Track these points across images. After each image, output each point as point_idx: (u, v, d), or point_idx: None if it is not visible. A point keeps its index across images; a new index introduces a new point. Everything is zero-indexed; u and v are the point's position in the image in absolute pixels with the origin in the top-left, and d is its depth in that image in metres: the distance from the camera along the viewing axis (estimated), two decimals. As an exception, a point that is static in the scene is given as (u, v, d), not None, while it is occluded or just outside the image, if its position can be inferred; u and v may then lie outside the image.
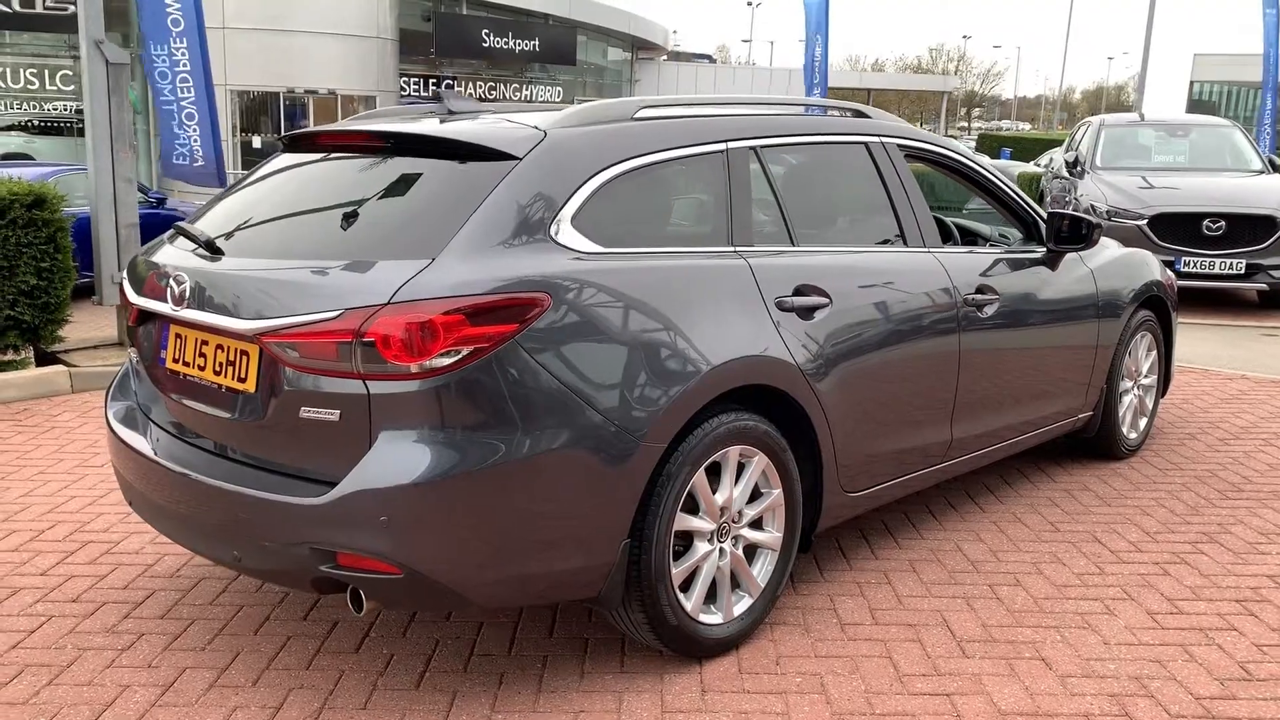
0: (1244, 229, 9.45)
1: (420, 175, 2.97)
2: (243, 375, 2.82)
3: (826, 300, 3.35)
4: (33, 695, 2.93)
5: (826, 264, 3.47)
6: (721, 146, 3.32)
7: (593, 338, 2.77)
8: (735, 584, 3.21)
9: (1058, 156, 12.87)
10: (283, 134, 3.69)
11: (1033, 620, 3.43)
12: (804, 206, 3.58)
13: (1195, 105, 47.64)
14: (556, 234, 2.82)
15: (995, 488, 4.71)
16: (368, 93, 24.47)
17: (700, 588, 3.08)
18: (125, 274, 3.33)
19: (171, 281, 2.97)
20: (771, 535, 3.27)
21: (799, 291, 3.29)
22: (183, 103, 9.12)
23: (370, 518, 2.57)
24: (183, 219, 10.57)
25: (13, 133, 20.39)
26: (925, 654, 3.20)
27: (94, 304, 7.18)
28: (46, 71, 20.38)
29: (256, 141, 23.75)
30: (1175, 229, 9.47)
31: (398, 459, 2.57)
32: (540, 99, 29.89)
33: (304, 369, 2.65)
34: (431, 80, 25.79)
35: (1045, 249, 4.46)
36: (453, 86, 3.56)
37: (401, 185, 2.99)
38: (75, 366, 6.48)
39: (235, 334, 2.80)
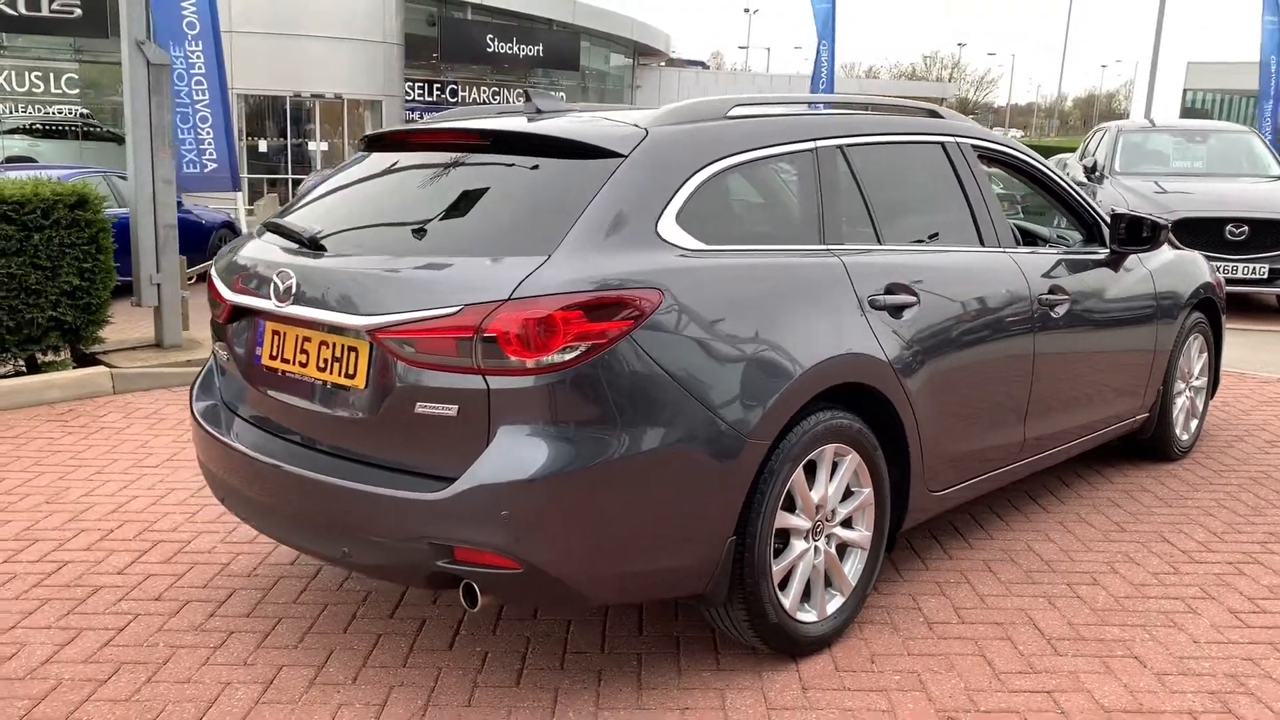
0: (1267, 234, 9.51)
1: (524, 172, 2.97)
2: (350, 371, 2.82)
3: (915, 299, 3.36)
4: (134, 693, 2.92)
5: (914, 263, 3.48)
6: (810, 145, 3.33)
7: (701, 335, 2.77)
8: (828, 582, 3.22)
9: (1072, 162, 12.93)
10: (361, 136, 3.69)
11: (1118, 619, 3.44)
12: (887, 205, 3.59)
13: (1189, 113, 47.85)
14: (663, 231, 2.83)
15: (1055, 489, 4.72)
16: (373, 97, 24.48)
17: (797, 586, 3.08)
18: (215, 271, 3.32)
19: (275, 278, 2.97)
20: (861, 534, 3.28)
21: (890, 290, 3.30)
22: (198, 105, 9.12)
23: (491, 512, 2.57)
24: (202, 222, 10.51)
25: (16, 136, 20.38)
26: (1018, 652, 3.20)
27: (132, 305, 7.15)
28: (51, 75, 20.38)
29: (263, 145, 23.73)
30: (1198, 234, 9.49)
31: (518, 454, 2.57)
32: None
33: (421, 364, 2.65)
34: (435, 85, 25.81)
35: (1108, 250, 4.48)
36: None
37: (506, 182, 3.00)
38: (116, 368, 6.46)
39: (345, 330, 2.80)
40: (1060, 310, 4.01)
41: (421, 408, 2.66)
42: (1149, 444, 5.05)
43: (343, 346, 2.84)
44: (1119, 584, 3.71)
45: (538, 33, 28.33)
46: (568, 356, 2.56)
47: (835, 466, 3.15)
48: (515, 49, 27.09)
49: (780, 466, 2.91)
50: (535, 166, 2.97)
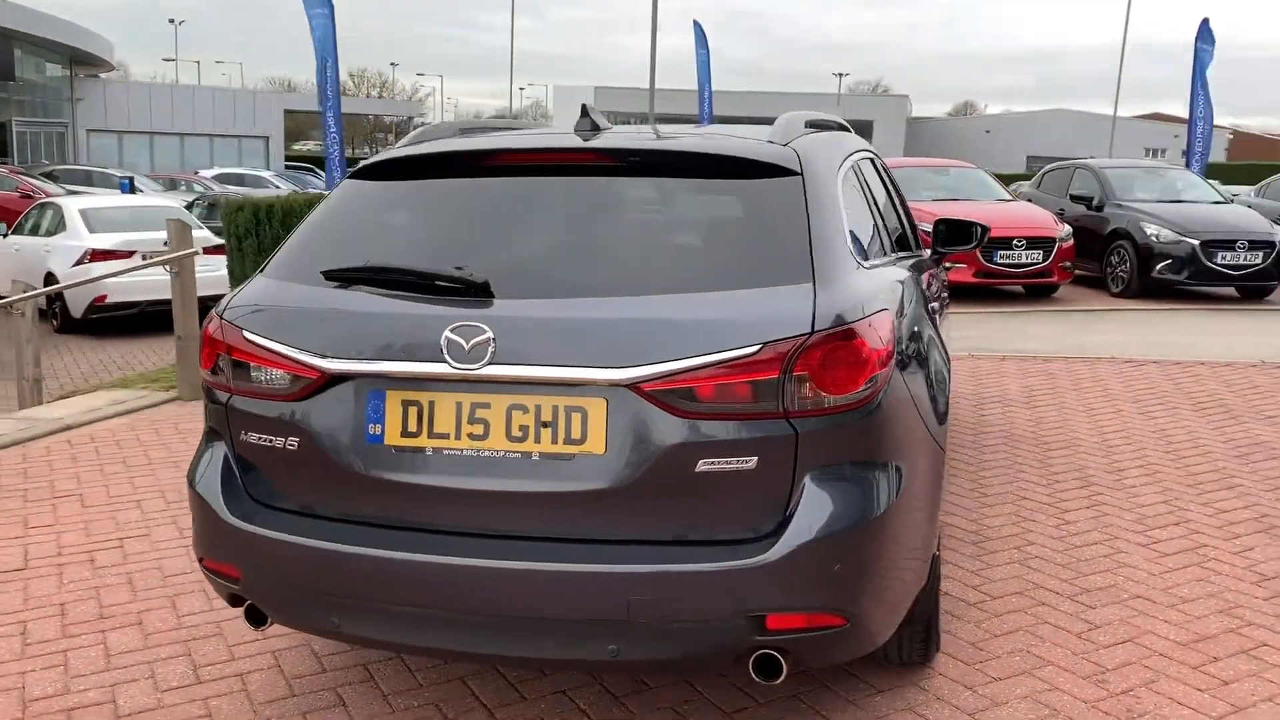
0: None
1: (694, 194, 2.68)
2: (576, 436, 2.35)
3: None
4: None
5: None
6: (853, 160, 3.34)
7: (909, 352, 2.72)
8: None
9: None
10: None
11: None
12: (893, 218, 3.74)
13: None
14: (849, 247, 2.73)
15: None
16: None
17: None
18: (265, 334, 2.54)
19: (449, 334, 2.37)
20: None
21: None
22: None
23: (823, 568, 2.31)
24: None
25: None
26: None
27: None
28: None
29: None
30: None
31: (839, 500, 2.33)
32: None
33: (705, 416, 2.29)
34: None
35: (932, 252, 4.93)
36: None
37: (680, 205, 2.67)
38: None
39: (575, 386, 2.33)
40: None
41: (706, 465, 2.30)
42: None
43: (558, 409, 2.36)
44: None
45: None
46: (867, 391, 2.38)
47: None
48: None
49: None
50: (704, 188, 2.69)
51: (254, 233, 9.71)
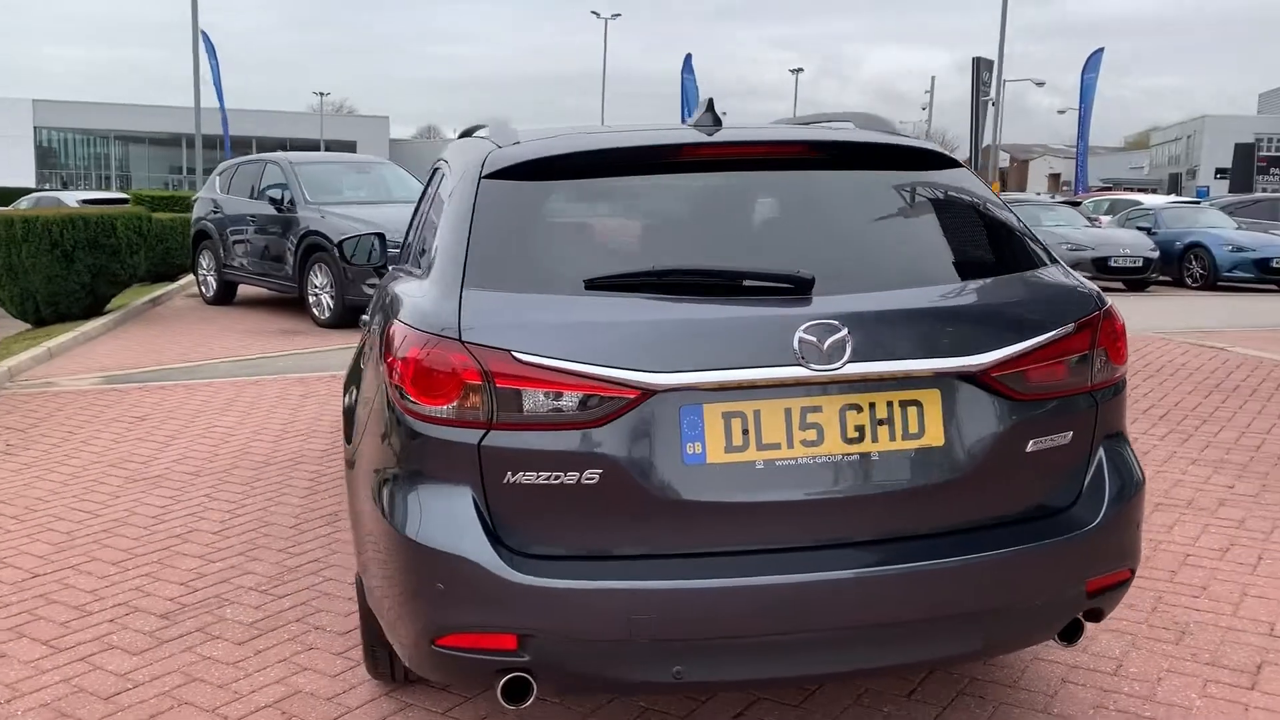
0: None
1: (894, 185, 2.70)
2: (914, 430, 2.30)
3: None
4: None
5: None
6: None
7: None
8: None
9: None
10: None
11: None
12: None
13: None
14: None
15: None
16: None
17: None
18: (583, 356, 2.17)
19: (802, 334, 2.20)
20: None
21: None
22: None
23: (1130, 528, 2.49)
24: None
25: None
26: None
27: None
28: None
29: None
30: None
31: (1124, 464, 2.54)
32: None
33: (1034, 396, 2.37)
34: None
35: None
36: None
37: (890, 196, 2.67)
38: None
39: (917, 379, 2.29)
40: None
41: (1034, 444, 2.38)
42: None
43: (893, 404, 2.29)
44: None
45: None
46: (1126, 362, 2.60)
47: None
48: None
49: None
50: (901, 180, 2.72)
51: None
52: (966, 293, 2.44)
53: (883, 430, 2.29)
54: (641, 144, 2.63)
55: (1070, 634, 2.50)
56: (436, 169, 3.45)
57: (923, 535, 2.33)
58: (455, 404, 2.22)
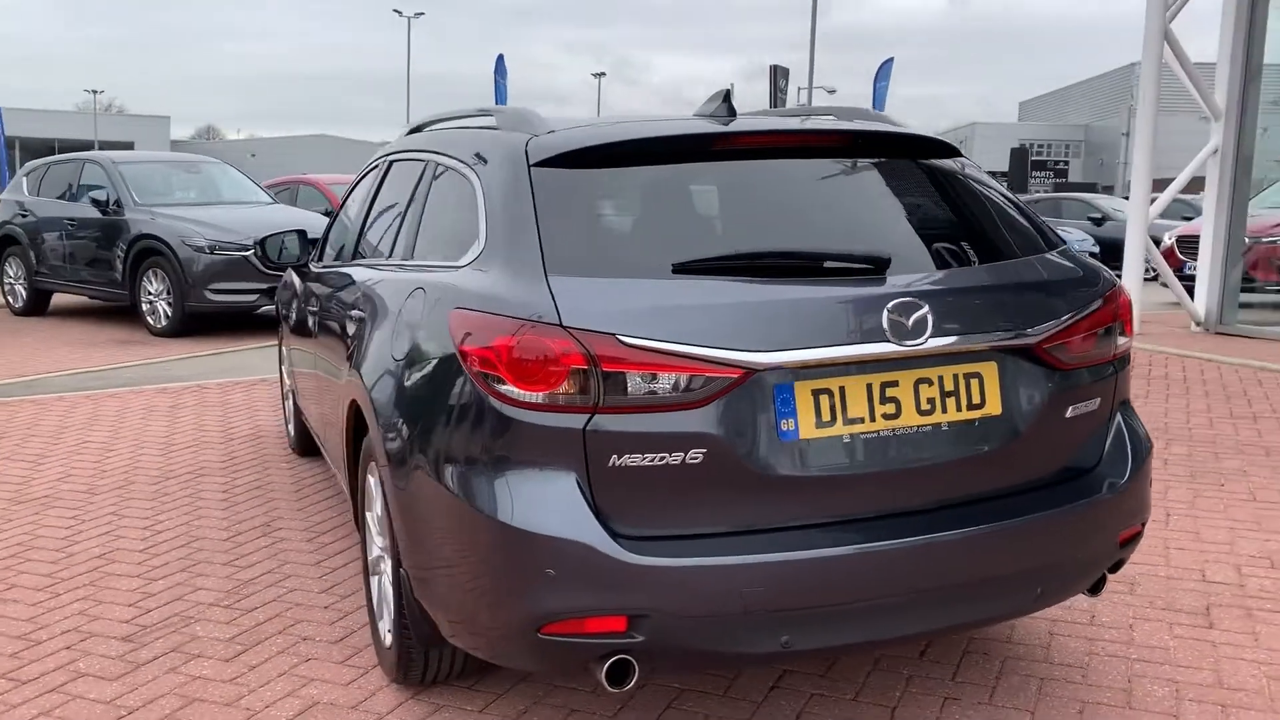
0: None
1: (921, 174, 2.84)
2: (976, 401, 2.45)
3: None
4: None
5: None
6: None
7: None
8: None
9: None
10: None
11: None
12: None
13: None
14: None
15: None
16: None
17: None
18: (688, 338, 2.19)
19: (889, 313, 2.31)
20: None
21: None
22: None
23: (1145, 485, 2.72)
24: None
25: None
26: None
27: None
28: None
29: None
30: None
31: (1138, 427, 2.80)
32: None
33: (1074, 365, 2.57)
34: None
35: None
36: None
37: (913, 182, 2.82)
38: None
39: (978, 352, 2.44)
40: None
41: (1073, 410, 2.58)
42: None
43: (958, 377, 2.44)
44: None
45: None
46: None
47: None
48: None
49: None
50: (911, 169, 2.87)
51: None
52: (1012, 271, 2.61)
53: (950, 401, 2.43)
54: (689, 132, 2.68)
55: (1098, 585, 2.72)
56: (421, 162, 3.36)
57: (987, 498, 2.49)
58: (559, 390, 2.21)
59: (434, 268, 2.81)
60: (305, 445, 5.49)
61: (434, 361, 2.52)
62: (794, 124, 2.93)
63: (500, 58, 28.47)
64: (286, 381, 5.72)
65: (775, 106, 37.23)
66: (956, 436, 2.44)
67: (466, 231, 2.70)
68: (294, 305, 4.87)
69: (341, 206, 4.75)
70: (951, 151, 2.94)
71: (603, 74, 77.38)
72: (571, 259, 2.35)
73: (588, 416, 2.21)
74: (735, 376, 2.23)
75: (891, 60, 28.79)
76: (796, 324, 2.30)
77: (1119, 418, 2.75)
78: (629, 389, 2.21)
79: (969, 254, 2.63)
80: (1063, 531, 2.51)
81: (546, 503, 2.23)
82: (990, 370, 2.48)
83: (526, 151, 2.61)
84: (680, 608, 2.21)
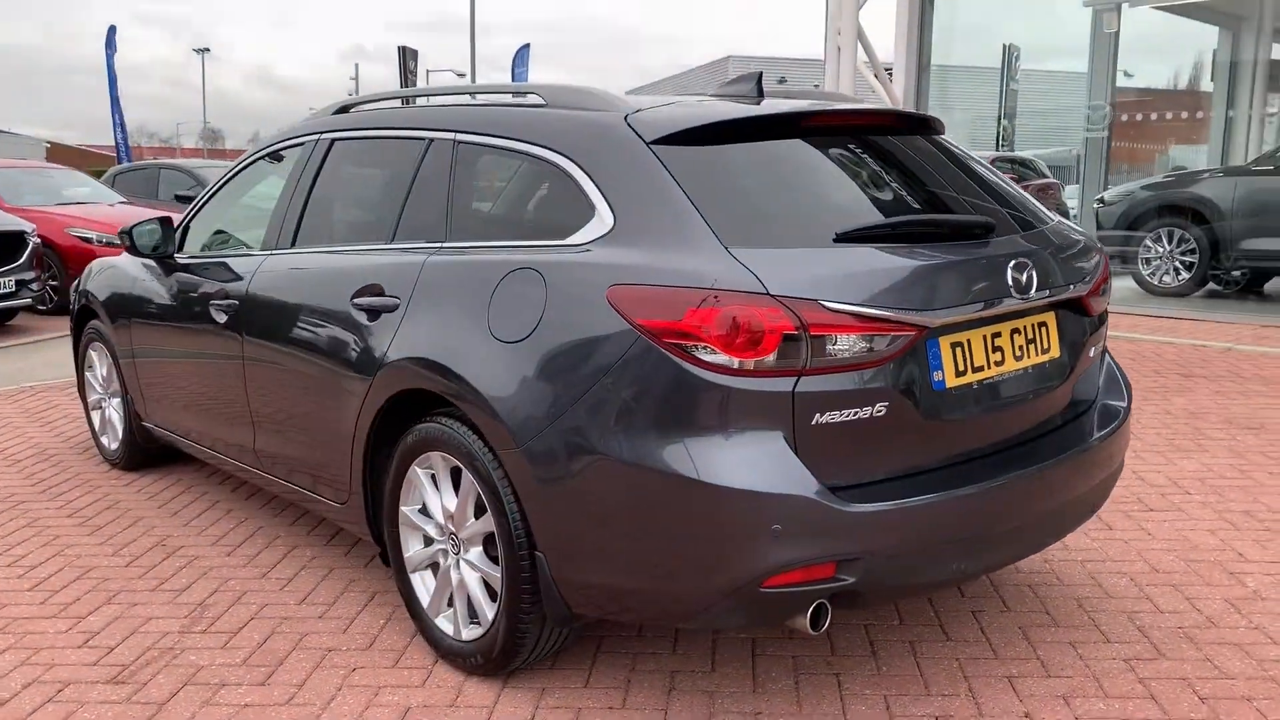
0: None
1: (949, 150, 3.16)
2: (1046, 346, 2.84)
3: None
4: None
5: None
6: None
7: None
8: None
9: None
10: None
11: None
12: None
13: None
14: None
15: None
16: None
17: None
18: (877, 302, 2.37)
19: (1011, 272, 2.63)
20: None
21: None
22: None
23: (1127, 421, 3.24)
24: None
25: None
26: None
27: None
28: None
29: None
30: None
31: (1117, 365, 3.29)
32: None
33: (1093, 314, 3.02)
34: None
35: None
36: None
37: (958, 160, 3.12)
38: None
39: (1047, 307, 2.83)
40: None
41: (1093, 350, 3.04)
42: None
43: (1034, 326, 2.81)
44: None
45: None
46: None
47: None
48: None
49: None
50: (932, 146, 3.19)
51: None
52: (1056, 234, 3.00)
53: (1031, 348, 2.80)
54: (785, 111, 2.84)
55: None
56: (422, 140, 3.21)
57: (1056, 429, 2.91)
58: (770, 355, 2.31)
59: (518, 248, 2.75)
60: (139, 459, 4.92)
61: (588, 339, 2.49)
62: (861, 106, 3.19)
63: (112, 29, 25.82)
64: (98, 389, 5.10)
65: (405, 87, 36.84)
66: (1038, 376, 2.82)
67: (563, 210, 2.69)
68: (151, 301, 4.39)
69: (212, 194, 4.34)
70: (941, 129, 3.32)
71: (206, 50, 71.83)
72: (738, 231, 2.44)
73: (795, 379, 2.34)
74: (912, 334, 2.46)
75: (528, 46, 29.27)
76: (950, 284, 2.56)
77: (1108, 358, 3.27)
78: (829, 350, 2.36)
79: (1025, 219, 3.01)
80: (1111, 452, 2.99)
81: (764, 463, 2.33)
82: (1051, 319, 2.88)
83: (635, 130, 2.66)
84: (891, 548, 2.41)
